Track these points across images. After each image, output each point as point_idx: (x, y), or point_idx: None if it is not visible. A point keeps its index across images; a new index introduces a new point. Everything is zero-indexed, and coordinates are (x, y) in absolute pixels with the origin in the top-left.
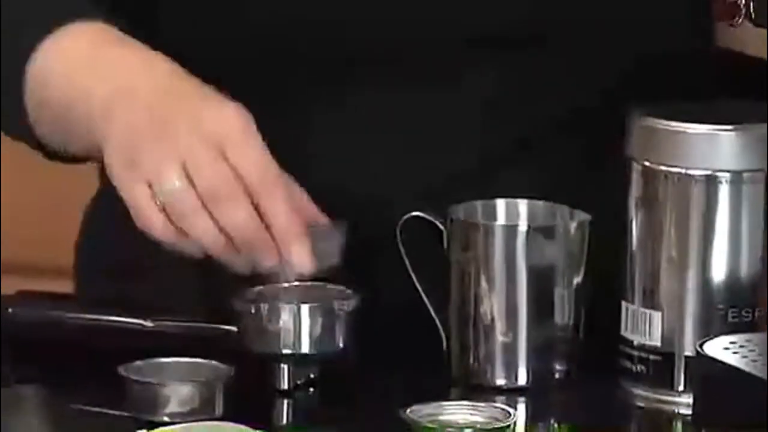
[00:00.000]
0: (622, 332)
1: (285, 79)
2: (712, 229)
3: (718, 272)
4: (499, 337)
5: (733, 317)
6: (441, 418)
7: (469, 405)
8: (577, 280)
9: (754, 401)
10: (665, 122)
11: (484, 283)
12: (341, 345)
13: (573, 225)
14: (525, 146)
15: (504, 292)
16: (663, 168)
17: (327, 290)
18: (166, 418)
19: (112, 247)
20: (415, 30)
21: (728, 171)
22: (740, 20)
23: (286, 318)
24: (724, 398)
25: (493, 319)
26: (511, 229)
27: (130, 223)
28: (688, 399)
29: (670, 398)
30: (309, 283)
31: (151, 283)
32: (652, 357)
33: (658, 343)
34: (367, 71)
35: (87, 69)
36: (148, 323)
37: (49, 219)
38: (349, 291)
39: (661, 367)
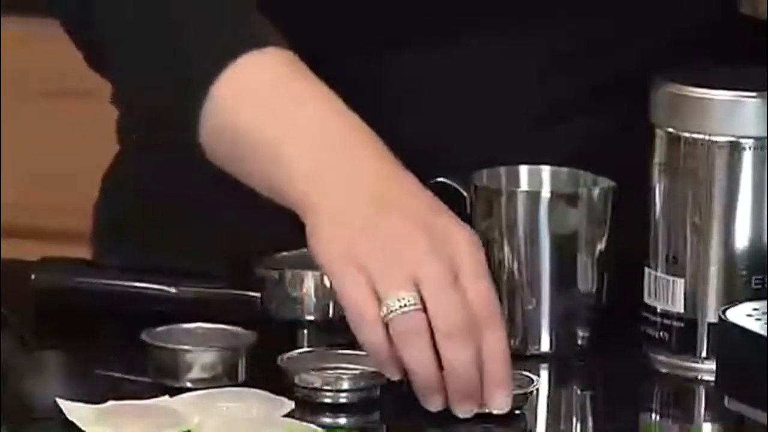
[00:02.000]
0: (645, 299)
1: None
2: (735, 196)
3: (742, 239)
4: (523, 304)
5: (757, 284)
6: None
7: None
8: (601, 247)
9: None
10: (688, 88)
11: (507, 250)
12: None
13: (596, 191)
14: (568, 113)
15: (527, 259)
16: (686, 134)
17: None
18: (188, 384)
19: (131, 209)
20: None
21: (752, 137)
22: None
23: (309, 284)
24: (747, 365)
25: (516, 286)
26: (534, 196)
27: (149, 186)
28: (710, 366)
29: (692, 365)
30: None
31: (170, 246)
32: (674, 323)
33: (681, 310)
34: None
35: (281, 119)
36: (172, 289)
37: (72, 185)
38: None
39: (683, 333)
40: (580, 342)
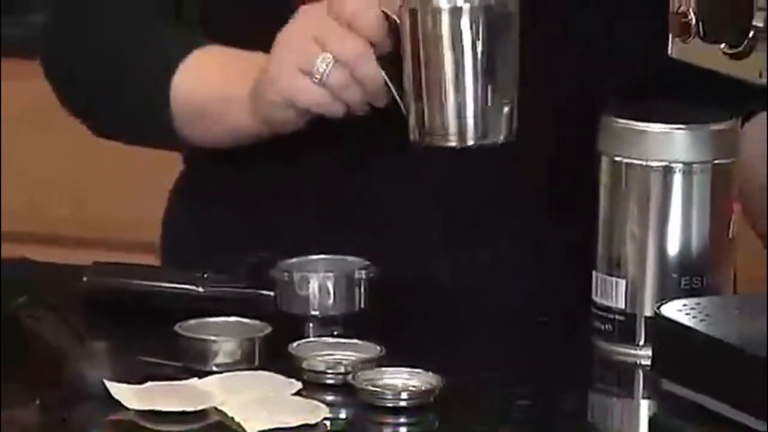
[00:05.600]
0: (593, 297)
1: None
2: (667, 211)
3: (673, 247)
4: (448, 100)
5: (685, 284)
6: (380, 382)
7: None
8: (513, 48)
9: (701, 353)
10: (629, 122)
11: (431, 47)
12: (360, 307)
13: None
14: None
15: (450, 55)
16: (627, 160)
17: (349, 262)
18: (214, 368)
19: (197, 225)
20: None
21: (681, 162)
22: (691, 37)
23: (314, 285)
24: (677, 351)
25: (441, 81)
26: None
27: (219, 200)
28: (647, 352)
29: (632, 351)
30: (333, 257)
31: (224, 259)
32: (617, 317)
33: (623, 306)
34: None
35: (224, 77)
36: (200, 289)
37: (128, 199)
38: (367, 262)
39: (625, 325)
40: (501, 138)
